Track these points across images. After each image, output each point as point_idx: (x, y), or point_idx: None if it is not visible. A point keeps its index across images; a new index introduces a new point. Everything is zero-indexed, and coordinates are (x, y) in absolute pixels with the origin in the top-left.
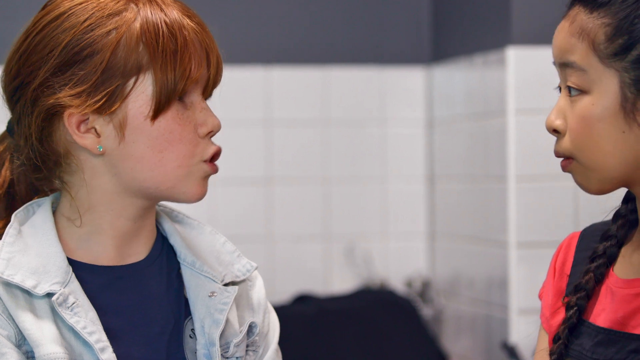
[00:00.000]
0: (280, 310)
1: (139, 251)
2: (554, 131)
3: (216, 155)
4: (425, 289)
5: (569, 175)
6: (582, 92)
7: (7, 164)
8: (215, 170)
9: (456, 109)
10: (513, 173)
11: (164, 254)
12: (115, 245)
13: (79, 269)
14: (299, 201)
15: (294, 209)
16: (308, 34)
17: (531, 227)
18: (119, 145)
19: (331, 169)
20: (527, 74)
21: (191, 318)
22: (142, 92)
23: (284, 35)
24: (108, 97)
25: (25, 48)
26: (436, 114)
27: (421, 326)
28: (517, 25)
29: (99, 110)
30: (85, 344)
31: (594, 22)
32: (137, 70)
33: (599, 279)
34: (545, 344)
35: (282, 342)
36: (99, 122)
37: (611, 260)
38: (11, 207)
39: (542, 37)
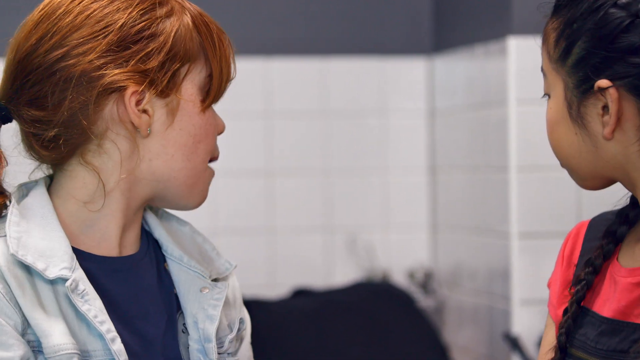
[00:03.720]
0: (279, 305)
1: (131, 243)
2: None
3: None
4: (427, 280)
5: None
6: (549, 97)
7: None
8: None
9: (457, 100)
10: (514, 163)
11: (151, 248)
12: (117, 235)
13: (79, 256)
14: (299, 193)
15: (294, 201)
16: (308, 25)
17: (533, 218)
18: (165, 130)
19: (332, 161)
20: (527, 64)
21: (181, 313)
22: (191, 80)
23: (284, 26)
24: (168, 80)
25: (71, 20)
26: (437, 104)
27: (420, 318)
28: (517, 15)
29: (160, 93)
30: (92, 333)
31: (550, 27)
32: (189, 58)
33: (607, 257)
34: (551, 336)
35: (282, 337)
36: (155, 104)
37: (620, 239)
38: None
39: (543, 27)
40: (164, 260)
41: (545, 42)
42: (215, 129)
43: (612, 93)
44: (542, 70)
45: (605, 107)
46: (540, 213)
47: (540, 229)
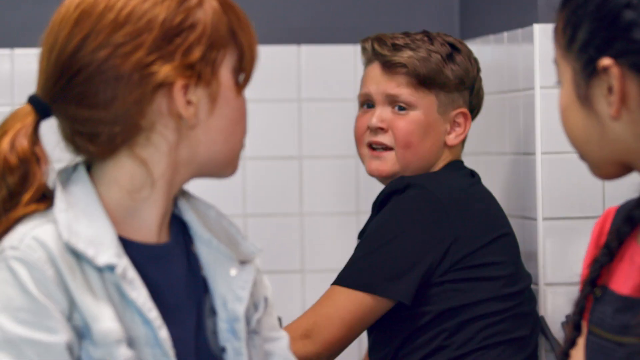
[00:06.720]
0: None
1: (165, 230)
2: None
3: None
4: None
5: None
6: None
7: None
8: None
9: (484, 86)
10: (540, 148)
11: (180, 233)
12: (158, 223)
13: (122, 244)
14: (331, 178)
15: (326, 186)
16: (338, 12)
17: (559, 202)
18: (208, 117)
19: None
20: (553, 51)
21: (208, 294)
22: (226, 65)
23: (315, 14)
24: (211, 68)
25: (114, 18)
26: None
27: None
28: (543, 3)
29: (206, 82)
30: (137, 320)
31: (559, 18)
32: (224, 44)
33: (621, 238)
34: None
35: None
36: (199, 94)
37: (637, 221)
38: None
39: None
40: (191, 243)
41: (555, 34)
42: (246, 110)
43: (615, 71)
44: (555, 61)
45: (611, 88)
46: (566, 197)
47: (566, 213)
